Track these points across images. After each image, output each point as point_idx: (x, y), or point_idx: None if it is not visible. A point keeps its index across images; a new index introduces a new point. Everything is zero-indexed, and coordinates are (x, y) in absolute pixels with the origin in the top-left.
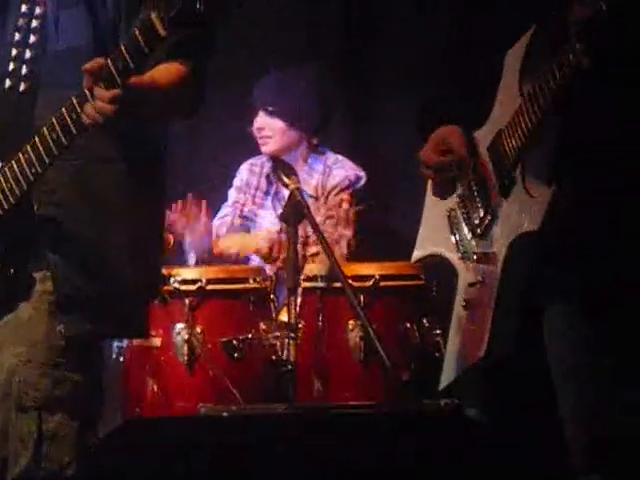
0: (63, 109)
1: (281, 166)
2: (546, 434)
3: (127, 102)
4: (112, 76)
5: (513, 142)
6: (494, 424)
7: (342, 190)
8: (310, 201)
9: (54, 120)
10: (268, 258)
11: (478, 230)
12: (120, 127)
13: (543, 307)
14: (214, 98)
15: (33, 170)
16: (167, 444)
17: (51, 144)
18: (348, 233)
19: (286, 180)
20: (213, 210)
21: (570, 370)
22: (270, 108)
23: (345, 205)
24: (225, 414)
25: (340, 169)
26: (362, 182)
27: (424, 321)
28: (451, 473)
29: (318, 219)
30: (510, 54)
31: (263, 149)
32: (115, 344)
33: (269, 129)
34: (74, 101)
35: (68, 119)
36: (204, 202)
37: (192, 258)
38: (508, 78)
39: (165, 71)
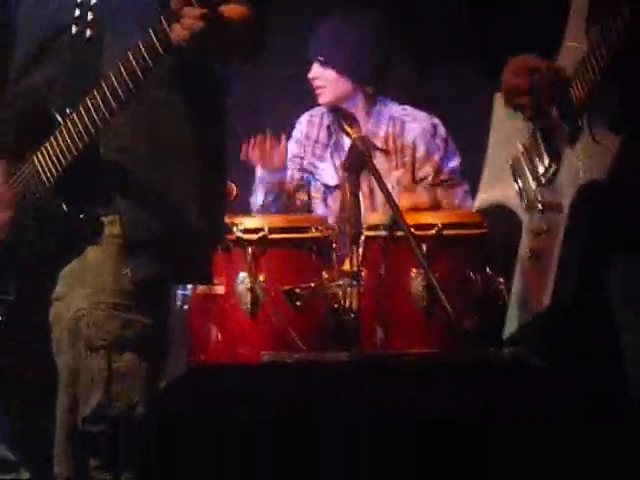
0: (129, 53)
1: (342, 115)
2: (610, 380)
3: (212, 27)
4: None
5: (580, 88)
6: (559, 371)
7: (428, 156)
8: (378, 153)
9: (120, 64)
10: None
11: (543, 179)
12: (189, 59)
13: (607, 252)
14: (277, 46)
15: (100, 115)
16: (231, 391)
17: (117, 88)
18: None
19: (348, 129)
20: None
21: (635, 316)
22: (321, 58)
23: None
24: (288, 361)
25: (414, 121)
26: (441, 129)
27: (487, 269)
28: (516, 420)
29: (392, 171)
30: None
31: (319, 100)
32: (179, 292)
33: (322, 79)
34: (162, 20)
35: (154, 40)
36: (283, 137)
37: (260, 195)
38: (575, 17)
39: (235, 9)
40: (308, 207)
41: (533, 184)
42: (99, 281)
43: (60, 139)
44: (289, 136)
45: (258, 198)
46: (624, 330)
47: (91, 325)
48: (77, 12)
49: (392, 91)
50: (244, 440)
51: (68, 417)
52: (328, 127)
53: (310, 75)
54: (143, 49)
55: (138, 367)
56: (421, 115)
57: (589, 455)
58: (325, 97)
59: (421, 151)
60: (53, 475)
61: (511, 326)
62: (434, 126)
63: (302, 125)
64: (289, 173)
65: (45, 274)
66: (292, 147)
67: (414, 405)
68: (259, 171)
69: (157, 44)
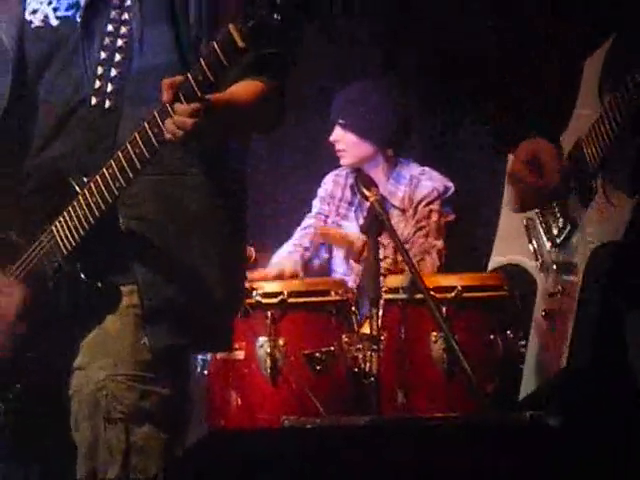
0: (145, 123)
1: (361, 178)
2: (631, 440)
3: (207, 117)
4: (192, 90)
5: (594, 151)
6: (578, 432)
7: (431, 201)
8: (396, 213)
9: (137, 135)
10: (358, 255)
11: (557, 240)
12: (201, 143)
13: (624, 313)
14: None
15: (117, 184)
16: (249, 455)
17: (134, 158)
18: (439, 243)
19: (366, 192)
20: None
21: None
22: (342, 121)
23: (435, 216)
24: (308, 426)
25: (428, 180)
26: (451, 192)
27: (508, 332)
28: None
29: (407, 231)
30: (589, 62)
31: (341, 161)
32: (199, 357)
33: (342, 142)
34: (156, 115)
35: (150, 133)
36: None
37: None
38: (587, 86)
39: (244, 87)
40: (329, 265)
41: (547, 244)
42: (118, 352)
43: (78, 208)
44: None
45: None
46: None
47: (110, 397)
48: (97, 84)
49: (414, 153)
50: None
51: None
52: (352, 187)
53: (332, 138)
54: (140, 141)
55: (157, 439)
56: (436, 176)
57: None
58: (347, 160)
59: (423, 204)
60: None
61: (527, 388)
62: (446, 188)
63: (327, 184)
64: (312, 230)
65: (65, 343)
66: (317, 204)
67: (434, 468)
68: None
69: (151, 136)
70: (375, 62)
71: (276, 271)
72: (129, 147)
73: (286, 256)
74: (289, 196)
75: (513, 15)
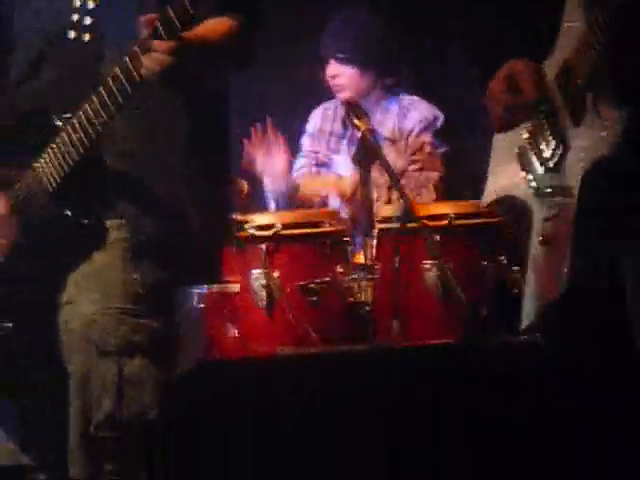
0: (126, 58)
1: (352, 108)
2: (626, 368)
3: (184, 55)
4: (172, 25)
5: (581, 69)
6: (575, 359)
7: (421, 131)
8: (387, 144)
9: (117, 69)
10: (350, 199)
11: (550, 163)
12: (177, 80)
13: (621, 243)
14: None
15: (100, 120)
16: (241, 384)
17: (116, 93)
18: (435, 175)
19: (357, 122)
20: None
21: None
22: (340, 55)
23: (427, 147)
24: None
25: (415, 110)
26: (440, 121)
27: (501, 258)
28: (529, 406)
29: (400, 163)
30: None
31: (339, 96)
32: (195, 291)
33: (342, 77)
34: (136, 50)
35: (131, 68)
36: (282, 138)
37: (272, 202)
38: (572, 4)
39: (214, 25)
40: (323, 199)
41: (541, 169)
42: (108, 286)
43: (61, 145)
44: (299, 132)
45: (271, 205)
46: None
47: (101, 330)
48: (75, 17)
49: (404, 83)
50: (259, 436)
51: (81, 422)
52: (343, 120)
53: (329, 73)
54: (121, 76)
55: (149, 370)
56: (424, 105)
57: (600, 443)
58: (346, 93)
59: (413, 136)
60: (69, 478)
61: (528, 315)
62: (435, 117)
63: (316, 119)
64: (306, 170)
65: (53, 279)
66: (306, 142)
67: (430, 396)
68: (266, 180)
69: (132, 71)
70: None
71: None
72: (110, 82)
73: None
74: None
75: None
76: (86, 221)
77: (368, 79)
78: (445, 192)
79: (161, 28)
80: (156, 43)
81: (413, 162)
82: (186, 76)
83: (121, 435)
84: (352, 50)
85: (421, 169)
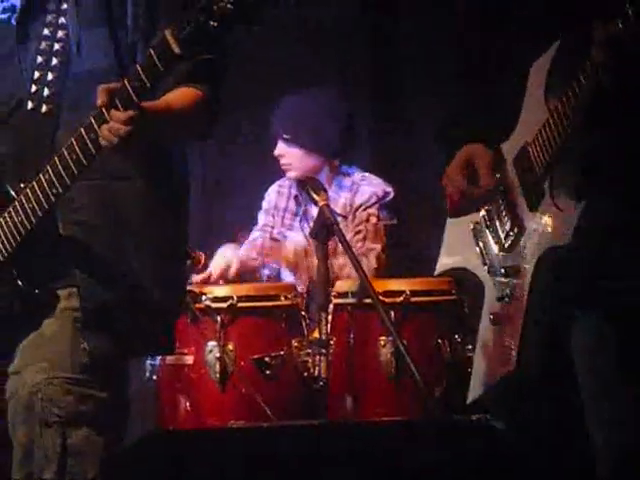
0: (82, 129)
1: (309, 183)
2: (575, 447)
3: (142, 125)
4: (129, 96)
5: (541, 156)
6: (523, 437)
7: (370, 206)
8: (339, 219)
9: (73, 140)
10: (295, 267)
11: (505, 244)
12: (137, 149)
13: (570, 320)
14: (239, 121)
15: (54, 190)
16: (185, 455)
17: (71, 164)
18: (377, 247)
19: (315, 196)
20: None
21: (599, 383)
22: (286, 136)
23: (373, 219)
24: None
25: (367, 185)
26: (390, 197)
27: (456, 336)
28: None
29: (348, 236)
30: (535, 67)
31: (287, 175)
32: (148, 362)
33: (288, 157)
34: (92, 121)
35: (87, 139)
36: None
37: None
38: (534, 91)
39: (180, 95)
40: (279, 275)
41: (495, 248)
42: (55, 355)
43: (14, 214)
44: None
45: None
46: (588, 396)
47: (45, 400)
48: (34, 88)
49: (361, 158)
50: None
51: None
52: (296, 197)
53: (276, 152)
54: (77, 147)
55: (94, 441)
56: (376, 181)
57: None
58: (293, 173)
59: (361, 210)
60: None
61: (475, 392)
62: (385, 193)
63: (271, 196)
64: (259, 242)
65: (4, 348)
66: (262, 217)
67: (382, 473)
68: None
69: (88, 142)
70: (314, 70)
71: (223, 265)
72: (65, 152)
73: (232, 252)
74: (237, 210)
75: (456, 23)
76: (37, 290)
77: (315, 160)
78: (390, 264)
79: (117, 98)
80: (114, 113)
81: (357, 232)
82: (143, 145)
83: None
84: (295, 132)
85: (364, 239)
